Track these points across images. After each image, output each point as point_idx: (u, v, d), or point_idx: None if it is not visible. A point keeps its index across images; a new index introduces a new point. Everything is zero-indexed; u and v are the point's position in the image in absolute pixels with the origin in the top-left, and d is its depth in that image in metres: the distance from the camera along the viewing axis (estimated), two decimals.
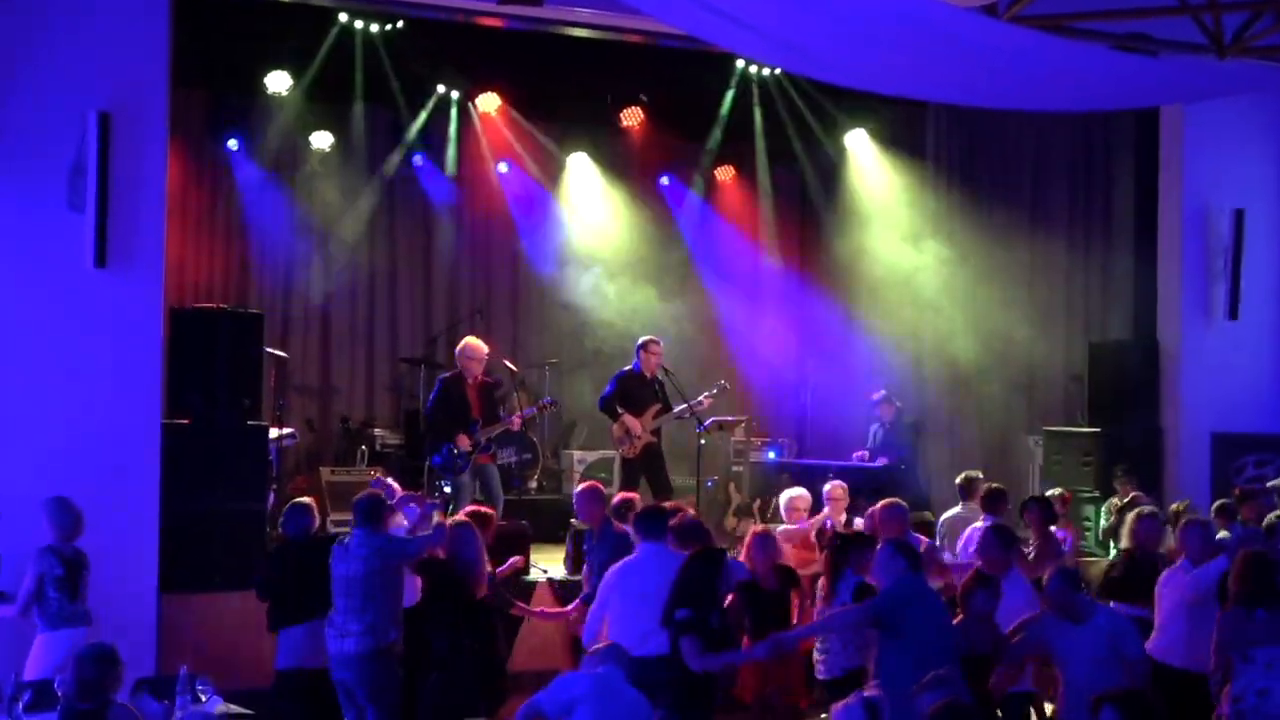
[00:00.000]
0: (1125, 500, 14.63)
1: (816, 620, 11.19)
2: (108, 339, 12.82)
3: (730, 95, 19.59)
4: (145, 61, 13.08)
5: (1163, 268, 17.32)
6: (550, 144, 20.51)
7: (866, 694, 7.60)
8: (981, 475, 14.52)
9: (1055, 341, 18.68)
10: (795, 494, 14.27)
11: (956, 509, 14.29)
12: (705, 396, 16.37)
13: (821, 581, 11.49)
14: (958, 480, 14.59)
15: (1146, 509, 12.58)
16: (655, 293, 20.48)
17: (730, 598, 10.58)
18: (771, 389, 21.67)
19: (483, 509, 12.21)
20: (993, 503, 13.26)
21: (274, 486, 15.41)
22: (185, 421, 13.46)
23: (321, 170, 19.18)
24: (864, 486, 15.28)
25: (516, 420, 16.17)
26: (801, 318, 21.91)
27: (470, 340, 16.12)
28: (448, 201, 20.25)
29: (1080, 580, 10.56)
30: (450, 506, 15.56)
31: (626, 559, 11.06)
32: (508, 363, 17.64)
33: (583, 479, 17.36)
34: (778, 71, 19.28)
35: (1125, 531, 12.44)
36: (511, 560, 12.26)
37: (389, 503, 11.57)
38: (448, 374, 16.13)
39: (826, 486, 14.13)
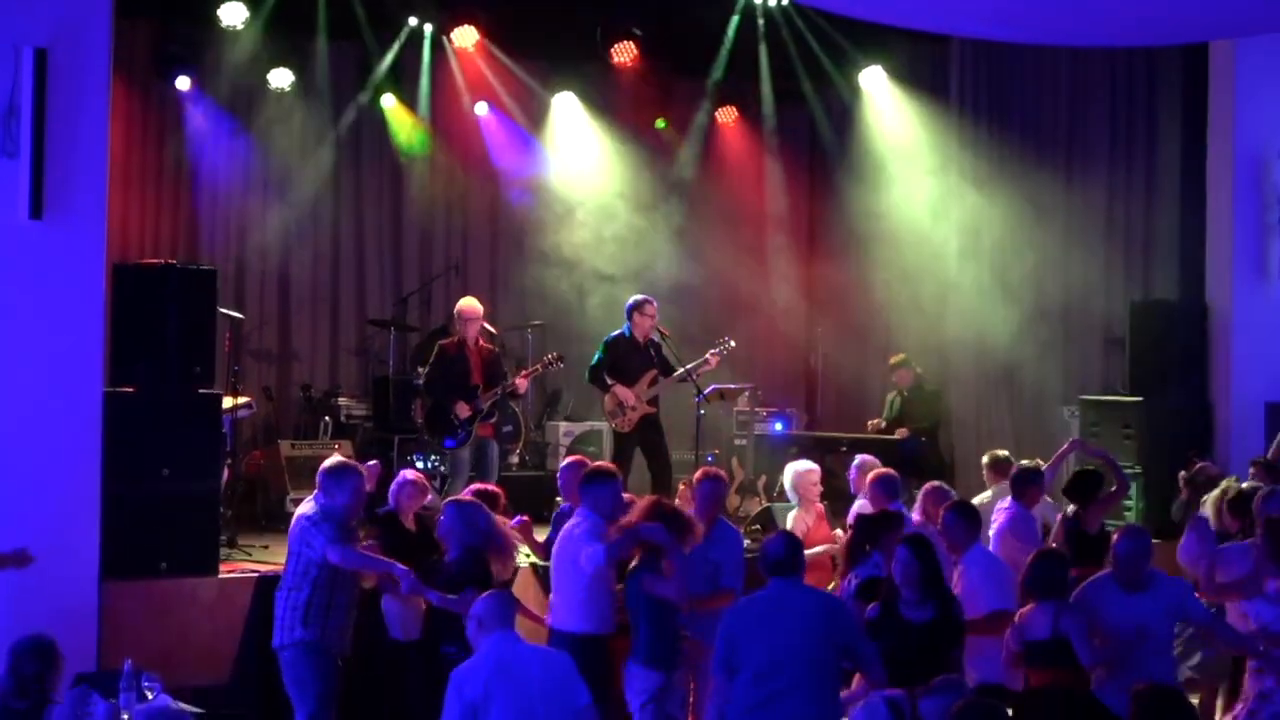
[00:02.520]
0: (1192, 472, 14.59)
1: None
2: (43, 298, 12.72)
3: (733, 28, 19.54)
4: None
5: (1211, 221, 17.28)
6: (533, 82, 20.46)
7: (888, 693, 7.61)
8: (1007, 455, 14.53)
9: (1093, 302, 18.65)
10: (805, 468, 14.11)
11: (986, 494, 14.27)
12: (711, 354, 16.33)
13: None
14: (984, 460, 14.60)
15: None
16: (649, 247, 20.45)
17: None
18: (778, 354, 21.68)
19: (489, 488, 12.26)
20: (1022, 485, 13.20)
21: (228, 462, 15.39)
22: (129, 390, 13.36)
23: (281, 111, 19.14)
24: (881, 461, 15.24)
25: (522, 382, 16.24)
26: (811, 274, 21.91)
27: (465, 301, 16.25)
28: (420, 146, 20.21)
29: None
30: (446, 485, 15.64)
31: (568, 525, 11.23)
32: (486, 325, 17.62)
33: (569, 454, 17.40)
34: (786, 2, 19.24)
35: None
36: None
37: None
38: (445, 340, 16.20)
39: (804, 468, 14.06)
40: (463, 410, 15.59)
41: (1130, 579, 10.15)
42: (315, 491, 11.23)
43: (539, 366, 16.95)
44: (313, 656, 10.91)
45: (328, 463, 11.40)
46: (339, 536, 10.80)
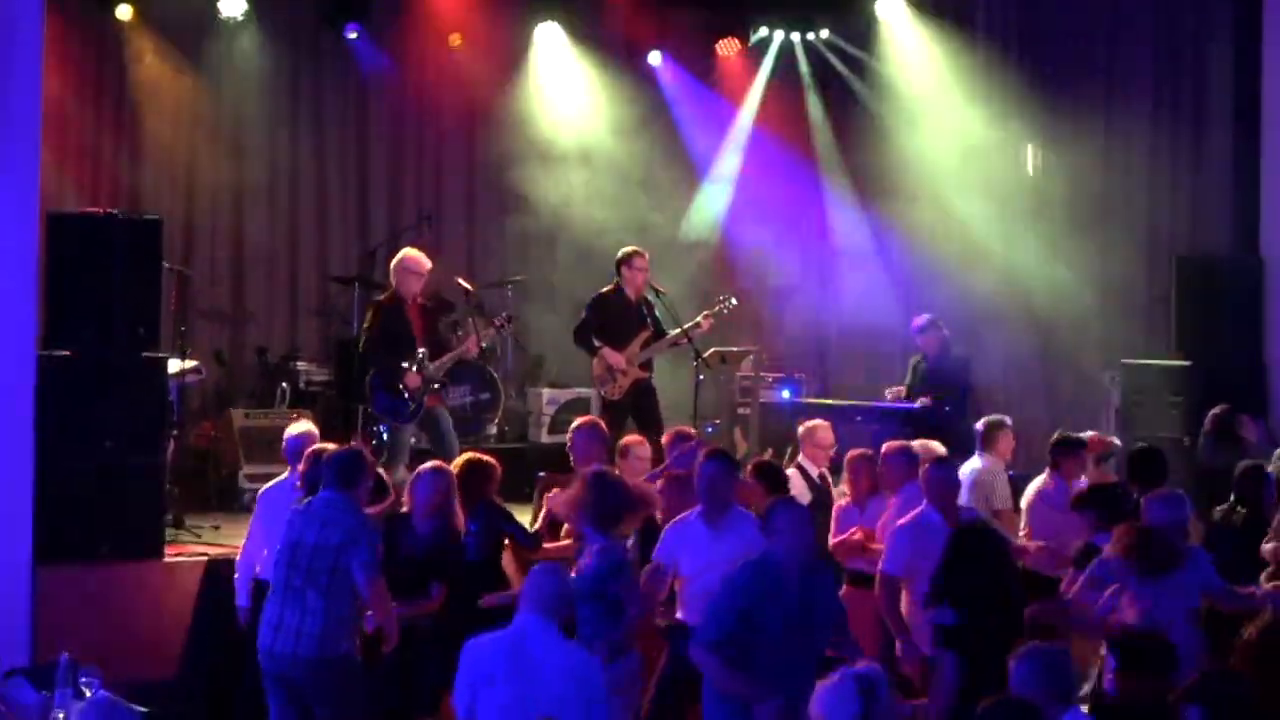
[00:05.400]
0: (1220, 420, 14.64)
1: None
2: None
3: None
4: None
5: (1266, 166, 17.28)
6: (514, 11, 20.41)
7: (857, 670, 7.57)
8: (1008, 421, 14.56)
9: (1136, 256, 18.66)
10: (816, 424, 14.19)
11: (974, 462, 14.26)
12: (705, 316, 16.34)
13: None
14: (978, 426, 14.62)
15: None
16: (642, 194, 20.42)
17: None
18: (786, 313, 21.65)
19: (440, 465, 12.18)
20: (1061, 456, 13.23)
21: (175, 433, 15.39)
22: (66, 353, 13.39)
23: (232, 44, 19.09)
24: (900, 432, 15.28)
25: (473, 345, 16.03)
26: (823, 226, 21.86)
27: (408, 252, 16.05)
28: (388, 83, 20.17)
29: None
30: (385, 460, 15.39)
31: None
32: (462, 281, 17.59)
33: (554, 424, 17.41)
34: None
35: None
36: None
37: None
38: (383, 296, 16.06)
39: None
40: (413, 382, 15.47)
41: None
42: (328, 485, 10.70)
43: (490, 330, 16.81)
44: (356, 672, 10.71)
45: (336, 449, 11.13)
46: (376, 559, 10.50)
